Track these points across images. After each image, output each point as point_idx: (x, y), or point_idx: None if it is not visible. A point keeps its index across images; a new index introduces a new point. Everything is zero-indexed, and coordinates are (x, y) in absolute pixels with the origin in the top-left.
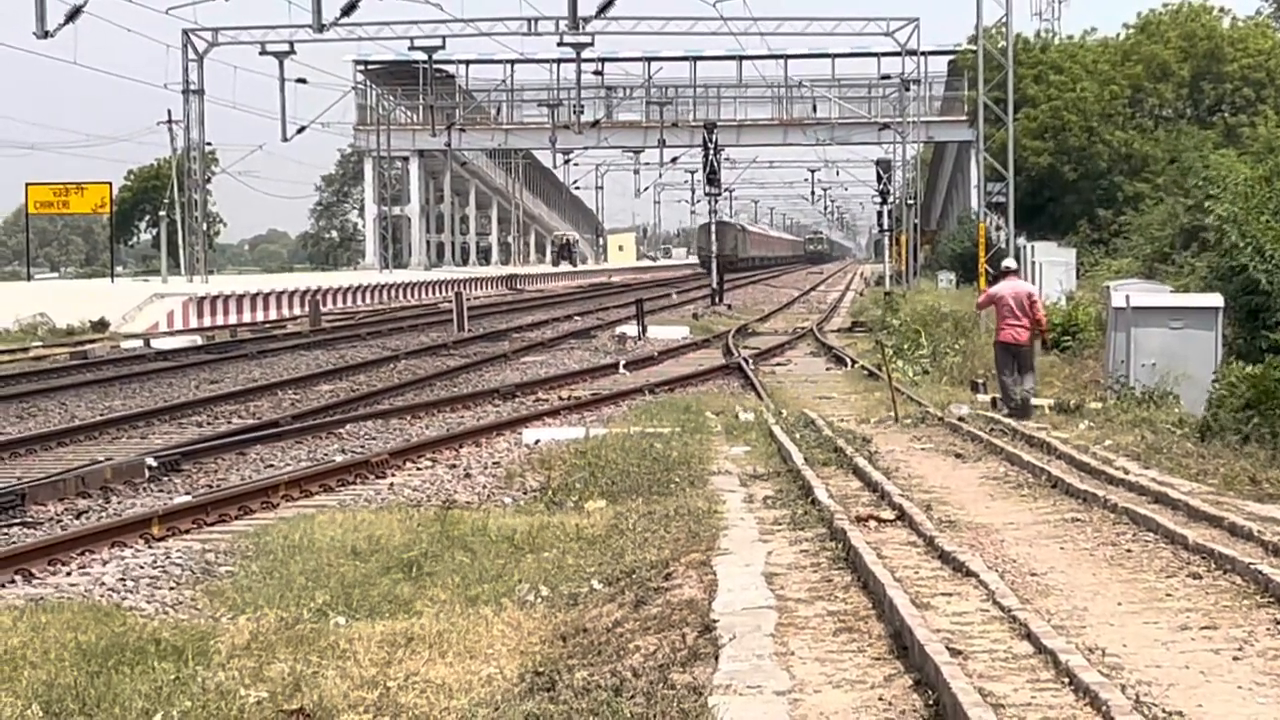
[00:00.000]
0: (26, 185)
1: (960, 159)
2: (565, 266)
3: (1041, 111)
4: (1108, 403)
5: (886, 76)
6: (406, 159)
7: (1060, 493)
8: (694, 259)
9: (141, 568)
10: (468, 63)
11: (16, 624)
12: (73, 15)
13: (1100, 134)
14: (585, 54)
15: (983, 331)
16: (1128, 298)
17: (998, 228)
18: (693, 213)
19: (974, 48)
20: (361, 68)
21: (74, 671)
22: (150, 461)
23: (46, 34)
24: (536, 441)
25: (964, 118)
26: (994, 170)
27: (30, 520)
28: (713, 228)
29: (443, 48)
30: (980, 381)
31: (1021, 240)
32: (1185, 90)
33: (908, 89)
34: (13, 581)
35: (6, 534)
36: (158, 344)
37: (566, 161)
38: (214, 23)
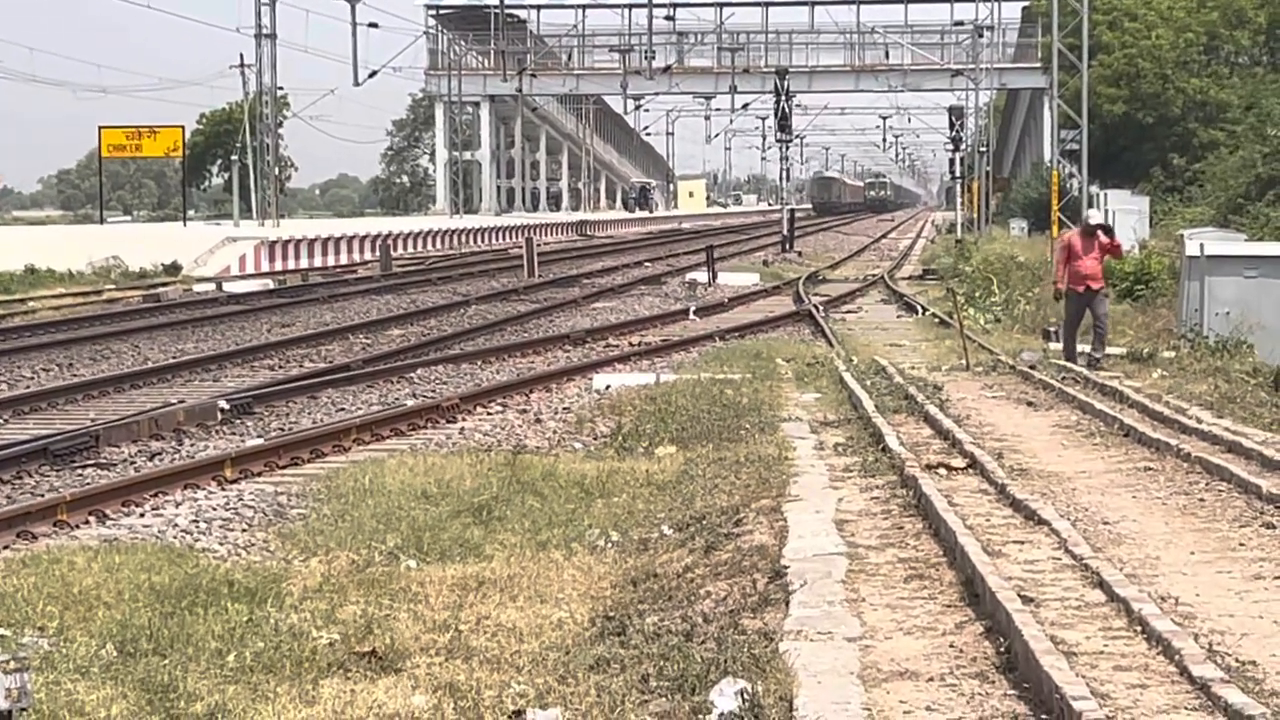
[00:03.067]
0: (99, 128)
1: (1034, 106)
2: (641, 213)
3: (1116, 58)
4: (1181, 352)
5: (960, 22)
6: (477, 104)
7: (1133, 441)
8: (764, 205)
9: (214, 510)
10: (539, 7)
11: (91, 564)
12: None
13: (1175, 81)
14: None
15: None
16: (1202, 246)
17: (1071, 175)
18: (764, 159)
19: None
20: (433, 12)
21: (148, 612)
22: (223, 404)
23: None
24: (607, 387)
25: (1038, 64)
26: (1067, 117)
27: (104, 462)
28: (783, 176)
29: None
30: (1053, 330)
31: (1095, 188)
32: (1262, 37)
33: (981, 35)
34: (87, 522)
35: (81, 475)
36: (229, 287)
37: (638, 108)
38: None
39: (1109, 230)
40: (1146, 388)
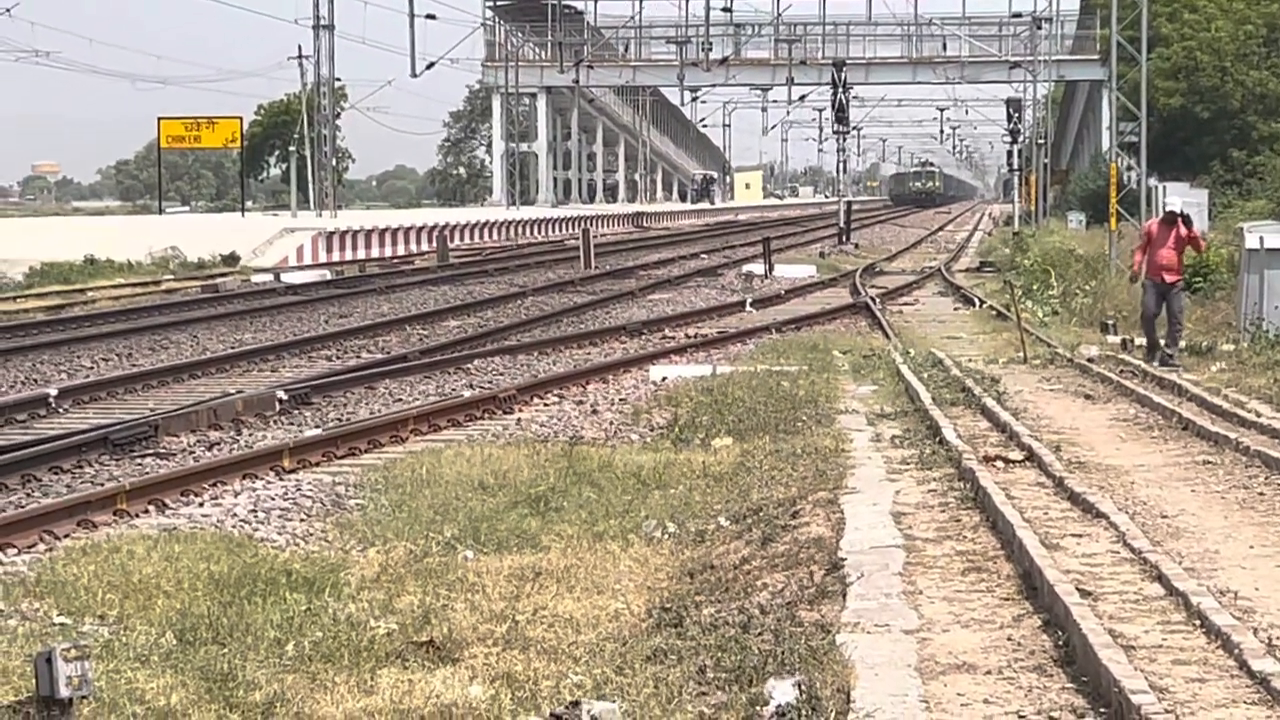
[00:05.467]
0: (159, 119)
1: (1091, 98)
2: (703, 204)
3: (1175, 51)
4: (1240, 345)
5: (1018, 14)
6: (534, 95)
7: (1191, 435)
8: (819, 198)
9: (272, 499)
10: None
11: (150, 553)
12: None
13: (1234, 74)
14: None
15: (1113, 273)
16: (1261, 239)
17: (1129, 168)
18: (820, 151)
19: None
20: (490, 3)
21: (207, 601)
22: (280, 394)
23: None
24: (663, 378)
25: (1096, 56)
26: (1126, 110)
27: (163, 451)
28: (840, 168)
29: None
30: (1111, 322)
31: (1153, 181)
32: None
33: (1039, 27)
34: (146, 512)
35: (140, 464)
36: (287, 278)
37: (694, 99)
38: None
39: (1188, 220)
40: (1205, 381)
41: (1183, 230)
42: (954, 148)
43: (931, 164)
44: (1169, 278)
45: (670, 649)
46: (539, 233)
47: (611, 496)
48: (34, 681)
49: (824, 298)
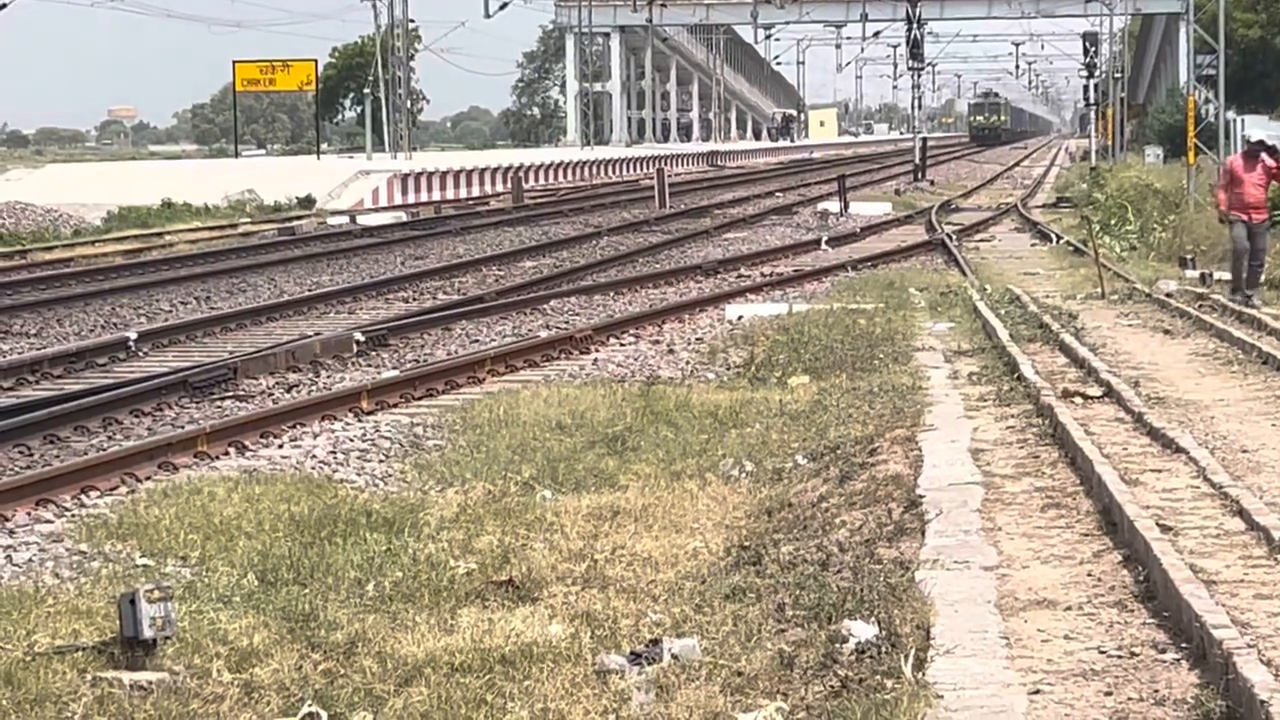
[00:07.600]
0: (234, 63)
1: (1169, 31)
2: (783, 142)
3: None
4: None
5: None
6: (608, 35)
7: (1272, 369)
8: (895, 134)
9: (351, 441)
10: None
11: (231, 495)
12: None
13: None
14: None
15: (1191, 208)
16: None
17: (1207, 101)
18: (895, 88)
19: None
20: None
21: (288, 542)
22: (358, 336)
23: None
24: (739, 317)
25: None
26: (1203, 42)
27: (242, 393)
28: (915, 104)
29: None
30: (1189, 257)
31: (1231, 114)
32: None
33: None
34: (226, 454)
35: (220, 407)
36: (363, 220)
37: (768, 37)
38: None
39: (1274, 151)
40: None
41: (1269, 162)
42: (1030, 83)
43: (996, 94)
44: (1256, 216)
45: (749, 587)
46: (613, 173)
47: (689, 435)
48: (118, 622)
49: (900, 235)
